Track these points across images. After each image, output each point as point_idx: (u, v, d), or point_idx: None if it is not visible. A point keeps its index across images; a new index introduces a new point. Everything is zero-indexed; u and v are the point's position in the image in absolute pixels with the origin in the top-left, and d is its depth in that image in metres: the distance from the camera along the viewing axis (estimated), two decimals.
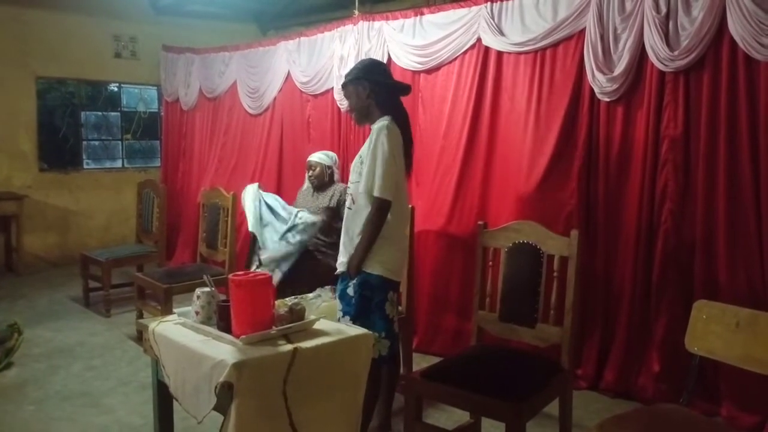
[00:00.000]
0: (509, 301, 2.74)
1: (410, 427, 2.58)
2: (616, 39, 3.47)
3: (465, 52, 4.11)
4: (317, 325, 2.36)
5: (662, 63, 3.28)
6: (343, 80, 2.99)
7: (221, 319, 2.25)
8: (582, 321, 3.52)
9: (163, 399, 2.44)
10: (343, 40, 4.85)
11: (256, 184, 4.44)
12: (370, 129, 2.89)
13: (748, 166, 3.08)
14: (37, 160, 6.93)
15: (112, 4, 7.03)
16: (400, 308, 3.23)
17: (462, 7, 4.13)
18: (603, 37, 3.50)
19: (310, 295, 3.24)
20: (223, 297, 2.35)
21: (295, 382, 2.11)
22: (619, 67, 3.43)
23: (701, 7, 3.16)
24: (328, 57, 5.00)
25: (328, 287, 3.98)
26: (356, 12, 5.13)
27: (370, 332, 2.48)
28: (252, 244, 4.28)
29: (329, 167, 4.30)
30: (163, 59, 7.07)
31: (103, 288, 4.99)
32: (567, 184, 3.65)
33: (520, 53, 3.84)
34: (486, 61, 4.01)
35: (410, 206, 3.24)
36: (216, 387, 2.00)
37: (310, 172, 4.32)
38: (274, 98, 5.61)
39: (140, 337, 3.86)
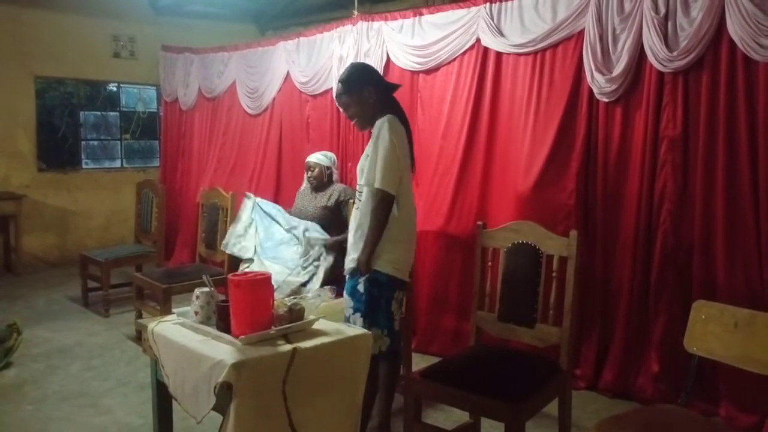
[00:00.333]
0: (508, 301, 2.75)
1: (409, 427, 2.58)
2: (615, 40, 3.48)
3: (464, 53, 4.11)
4: (316, 325, 2.36)
5: (661, 63, 3.29)
6: (341, 89, 2.91)
7: (220, 319, 2.26)
8: (581, 321, 3.52)
9: (162, 399, 2.45)
10: (343, 41, 4.85)
11: (253, 199, 4.37)
12: (369, 132, 2.90)
13: (747, 166, 3.08)
14: (35, 160, 6.92)
15: (112, 4, 7.03)
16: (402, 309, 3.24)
17: (461, 7, 4.13)
18: (602, 38, 3.51)
19: (309, 294, 3.24)
20: (222, 297, 2.35)
21: (294, 382, 2.12)
22: (618, 68, 3.43)
23: (700, 8, 3.16)
24: (327, 57, 5.00)
25: (327, 287, 3.97)
26: (355, 12, 5.13)
27: (369, 332, 2.48)
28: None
29: (328, 168, 4.30)
30: (162, 59, 7.06)
31: (102, 288, 4.99)
32: (566, 184, 3.65)
33: (519, 54, 3.85)
34: (485, 62, 4.01)
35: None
36: (215, 387, 2.00)
37: (309, 172, 4.32)
38: (273, 98, 5.61)
39: (139, 337, 3.87)
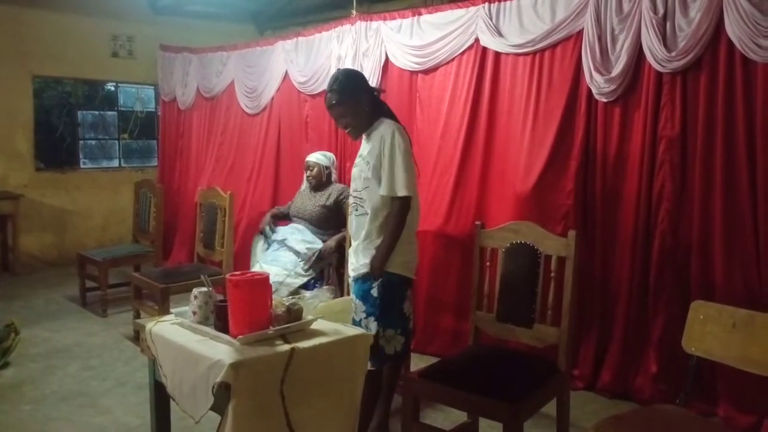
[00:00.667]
0: (507, 301, 2.75)
1: (407, 427, 2.58)
2: (614, 40, 3.48)
3: (463, 53, 4.11)
4: (315, 326, 2.36)
5: (660, 64, 3.29)
6: (335, 98, 2.86)
7: (218, 319, 2.25)
8: (579, 321, 3.53)
9: (161, 399, 2.44)
10: (341, 40, 4.84)
11: (261, 241, 4.37)
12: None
13: (745, 166, 3.08)
14: (33, 160, 6.91)
15: (110, 4, 7.02)
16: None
17: (460, 7, 4.12)
18: (601, 38, 3.51)
19: (308, 295, 3.24)
20: (220, 297, 2.35)
21: (292, 382, 2.11)
22: (617, 68, 3.44)
23: (698, 9, 3.16)
24: (325, 57, 5.00)
25: (326, 287, 3.98)
26: (354, 12, 5.13)
27: (369, 332, 2.49)
28: (254, 245, 4.30)
29: (327, 167, 4.31)
30: (160, 59, 7.06)
31: (100, 288, 4.98)
32: (564, 184, 3.65)
33: (518, 54, 3.85)
34: (484, 62, 4.01)
35: None
36: (213, 387, 2.00)
37: (308, 172, 4.33)
38: (272, 98, 5.60)
39: (137, 337, 3.87)
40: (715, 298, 2.99)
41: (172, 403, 2.34)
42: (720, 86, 3.14)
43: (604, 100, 3.52)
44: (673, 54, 3.23)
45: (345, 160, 4.77)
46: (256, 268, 4.19)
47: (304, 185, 4.44)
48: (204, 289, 2.36)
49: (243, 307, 2.17)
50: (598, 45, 3.50)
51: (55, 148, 7.23)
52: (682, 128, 3.29)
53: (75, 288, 5.39)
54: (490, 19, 3.94)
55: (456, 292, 4.03)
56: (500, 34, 3.91)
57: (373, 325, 2.77)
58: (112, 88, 7.63)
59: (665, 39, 3.28)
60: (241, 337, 2.13)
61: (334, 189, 4.25)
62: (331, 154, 4.44)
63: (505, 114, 3.92)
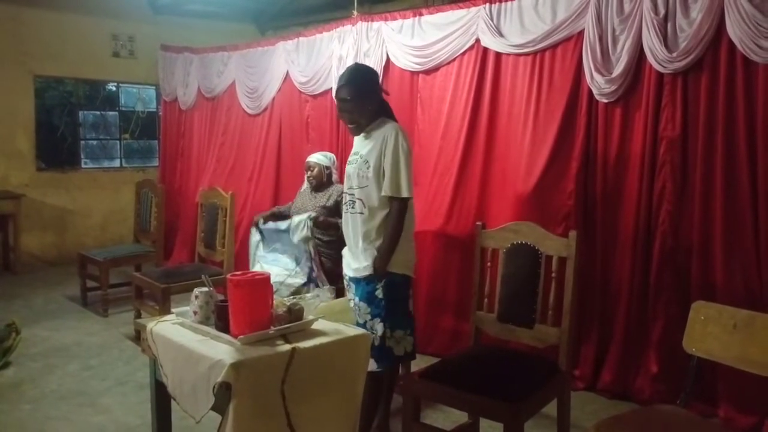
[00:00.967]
0: (507, 301, 2.75)
1: (408, 427, 2.58)
2: (615, 40, 3.48)
3: (464, 53, 4.11)
4: (315, 326, 2.36)
5: (660, 64, 3.29)
6: (349, 92, 2.80)
7: (219, 318, 2.25)
8: (580, 322, 3.53)
9: (161, 399, 2.44)
10: (342, 41, 4.85)
11: (255, 236, 4.35)
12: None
13: (746, 167, 3.08)
14: (34, 159, 6.92)
15: (111, 4, 7.03)
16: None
17: (461, 8, 4.13)
18: (601, 39, 3.51)
19: (308, 295, 3.23)
20: (221, 297, 2.35)
21: (293, 382, 2.11)
22: (618, 69, 3.44)
23: (700, 9, 3.16)
24: (326, 57, 5.00)
25: (326, 287, 3.98)
26: (355, 12, 5.13)
27: (369, 333, 2.48)
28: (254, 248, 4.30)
29: (327, 168, 4.31)
30: (161, 59, 7.06)
31: (101, 287, 4.98)
32: (565, 185, 3.65)
33: (519, 55, 3.85)
34: (485, 62, 4.01)
35: None
36: (214, 387, 2.00)
37: (309, 172, 4.32)
38: (273, 98, 5.61)
39: (138, 336, 3.87)
40: (716, 298, 2.98)
41: (172, 402, 2.34)
42: (721, 87, 3.14)
43: (605, 101, 3.52)
44: (674, 55, 3.23)
45: (346, 160, 4.76)
46: (256, 267, 4.20)
47: (305, 185, 4.44)
48: (205, 289, 2.36)
49: (244, 307, 2.17)
50: (599, 45, 3.50)
51: (56, 148, 7.24)
52: (683, 129, 3.29)
53: (75, 287, 5.39)
54: (491, 19, 3.94)
55: (456, 292, 4.03)
56: (501, 35, 3.91)
57: (380, 327, 2.77)
58: (114, 88, 7.63)
59: (666, 40, 3.28)
60: (242, 337, 2.13)
61: (335, 189, 4.25)
62: (331, 155, 4.44)
63: (506, 114, 3.93)
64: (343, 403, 2.30)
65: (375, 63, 4.51)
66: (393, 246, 2.77)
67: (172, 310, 2.61)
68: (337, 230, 4.17)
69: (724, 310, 2.32)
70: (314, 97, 5.20)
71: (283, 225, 4.15)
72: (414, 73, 4.40)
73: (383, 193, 2.76)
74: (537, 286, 2.65)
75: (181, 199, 6.69)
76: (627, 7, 3.43)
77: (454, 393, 2.41)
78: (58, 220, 7.04)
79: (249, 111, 5.86)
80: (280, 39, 5.65)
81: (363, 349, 2.37)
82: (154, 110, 7.84)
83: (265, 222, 4.30)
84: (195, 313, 2.33)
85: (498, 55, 3.95)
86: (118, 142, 7.70)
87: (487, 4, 3.96)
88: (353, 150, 2.96)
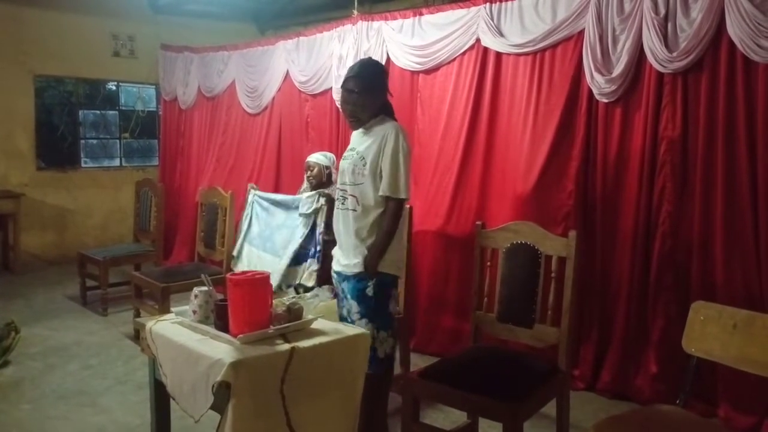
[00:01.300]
0: (507, 301, 2.74)
1: (407, 427, 2.58)
2: (615, 40, 3.48)
3: (464, 53, 4.11)
4: (315, 325, 2.36)
5: (661, 64, 3.29)
6: (359, 85, 2.78)
7: (219, 318, 2.25)
8: (579, 322, 3.53)
9: (160, 398, 2.44)
10: (342, 40, 4.85)
11: (252, 194, 4.39)
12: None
13: (746, 167, 3.08)
14: (34, 159, 6.92)
15: (111, 3, 7.02)
16: (398, 308, 3.23)
17: (461, 7, 4.13)
18: (602, 39, 3.51)
19: (308, 294, 3.24)
20: (220, 296, 2.35)
21: (292, 381, 2.11)
22: (618, 69, 3.43)
23: (700, 9, 3.16)
24: (327, 57, 5.00)
25: (326, 287, 3.98)
26: (355, 12, 5.13)
27: (368, 332, 2.48)
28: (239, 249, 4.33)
29: (327, 167, 4.30)
30: (161, 58, 7.06)
31: (101, 287, 4.98)
32: (565, 185, 3.65)
33: (519, 54, 3.84)
34: (485, 62, 4.01)
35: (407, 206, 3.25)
36: (213, 386, 2.00)
37: (309, 172, 4.32)
38: (273, 98, 5.61)
39: (137, 336, 3.87)
40: (716, 299, 2.98)
41: (172, 402, 2.34)
42: (721, 87, 3.14)
43: (605, 101, 3.52)
44: (674, 54, 3.23)
45: None
46: (244, 248, 4.25)
47: (305, 185, 4.44)
48: (204, 288, 2.36)
49: (243, 306, 2.17)
50: (599, 45, 3.50)
51: (57, 147, 7.23)
52: (683, 129, 3.28)
53: (75, 287, 5.39)
54: (491, 19, 3.94)
55: (456, 291, 4.03)
56: (501, 34, 3.91)
57: (367, 327, 2.75)
58: (114, 88, 7.63)
59: (666, 39, 3.28)
60: (241, 336, 2.13)
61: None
62: (331, 155, 4.43)
63: (506, 114, 3.92)
64: (343, 403, 2.30)
65: None
66: (385, 246, 2.74)
67: (172, 309, 2.61)
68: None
69: (723, 311, 2.32)
70: (314, 96, 5.20)
71: (283, 197, 4.17)
72: (414, 73, 4.40)
73: (381, 193, 2.73)
74: (537, 286, 2.65)
75: (181, 198, 6.69)
76: (627, 7, 3.43)
77: (454, 393, 2.41)
78: (58, 219, 7.04)
79: (249, 110, 5.86)
80: (280, 38, 5.65)
81: (362, 349, 2.37)
82: (154, 110, 7.83)
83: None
84: (194, 312, 2.33)
85: (498, 54, 3.95)
86: (118, 141, 7.70)
87: (488, 4, 3.95)
88: (350, 145, 2.92)
